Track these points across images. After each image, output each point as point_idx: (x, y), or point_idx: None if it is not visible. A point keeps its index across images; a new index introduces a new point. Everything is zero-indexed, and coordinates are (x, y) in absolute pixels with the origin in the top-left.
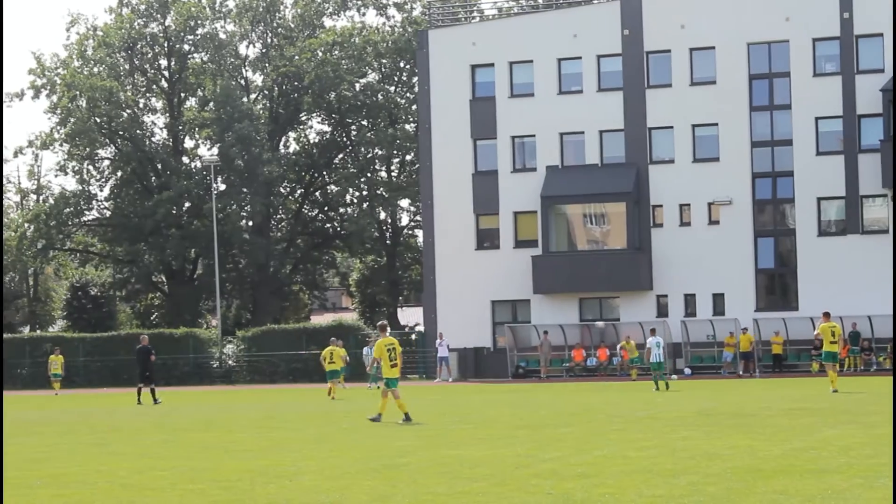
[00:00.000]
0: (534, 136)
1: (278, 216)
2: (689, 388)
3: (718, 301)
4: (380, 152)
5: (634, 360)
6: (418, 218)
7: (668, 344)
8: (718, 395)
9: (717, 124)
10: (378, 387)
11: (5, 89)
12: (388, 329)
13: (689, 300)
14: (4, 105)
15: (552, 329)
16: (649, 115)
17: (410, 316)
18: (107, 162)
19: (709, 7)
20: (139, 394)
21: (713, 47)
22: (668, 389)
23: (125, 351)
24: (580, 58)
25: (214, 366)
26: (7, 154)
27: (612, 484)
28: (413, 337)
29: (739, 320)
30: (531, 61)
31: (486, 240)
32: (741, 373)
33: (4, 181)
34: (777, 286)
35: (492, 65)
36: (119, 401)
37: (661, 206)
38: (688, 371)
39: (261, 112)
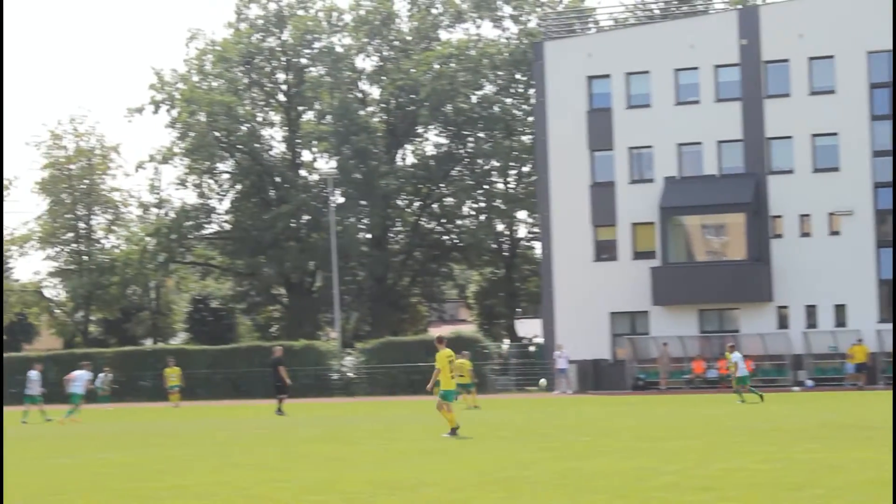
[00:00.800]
0: (651, 146)
1: (396, 228)
2: (811, 401)
3: (840, 312)
4: (497, 164)
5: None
6: (536, 229)
7: (790, 355)
8: (841, 407)
9: (836, 134)
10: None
11: (127, 105)
12: (446, 341)
13: (811, 311)
14: (127, 120)
15: (672, 341)
16: (768, 125)
17: (528, 328)
18: (226, 176)
19: (827, 16)
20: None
21: (832, 56)
22: (761, 401)
23: (245, 363)
24: (697, 68)
25: (334, 378)
26: (128, 168)
27: (734, 497)
28: (531, 349)
29: (861, 331)
30: (648, 72)
31: (604, 251)
32: (861, 385)
33: (128, 195)
34: None
35: (608, 76)
36: (239, 413)
37: (780, 216)
38: (810, 383)
39: (378, 125)
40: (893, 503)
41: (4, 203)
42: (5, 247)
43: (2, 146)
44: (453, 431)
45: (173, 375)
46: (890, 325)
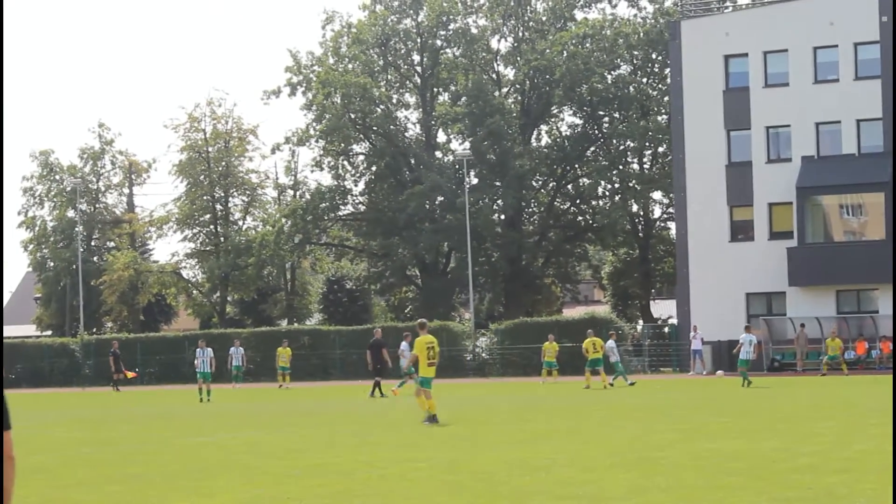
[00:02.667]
0: (789, 126)
1: (530, 209)
2: None
3: None
4: (632, 144)
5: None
6: (671, 210)
7: None
8: None
9: None
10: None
11: (264, 87)
12: (428, 327)
13: None
14: (263, 102)
15: (808, 322)
16: None
17: (663, 308)
18: (361, 157)
19: None
20: (375, 387)
21: None
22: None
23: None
24: (836, 46)
25: (468, 358)
26: (265, 151)
27: (874, 479)
28: (666, 330)
29: None
30: (786, 50)
31: (741, 231)
32: None
33: (264, 177)
34: None
35: (745, 54)
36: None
37: None
38: None
39: (512, 106)
40: (894, 496)
41: (142, 185)
42: (145, 228)
43: (2, 147)
44: (432, 418)
45: (284, 356)
46: None
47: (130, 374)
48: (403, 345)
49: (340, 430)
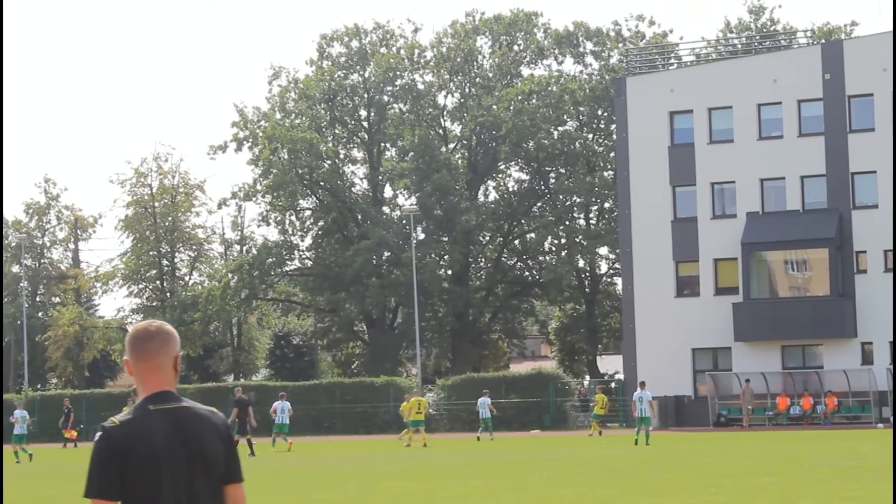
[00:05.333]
0: (734, 182)
1: (477, 264)
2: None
3: None
4: (578, 200)
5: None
6: (617, 265)
7: (875, 392)
8: None
9: None
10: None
11: (210, 142)
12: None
13: None
14: (209, 157)
15: (754, 377)
16: (852, 160)
17: (610, 364)
18: (308, 212)
19: None
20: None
21: None
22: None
23: (326, 399)
24: (780, 103)
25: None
26: (212, 206)
27: None
28: (612, 385)
29: None
30: (730, 107)
31: (686, 287)
32: None
33: (210, 232)
34: None
35: (690, 111)
36: (320, 449)
37: (864, 251)
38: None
39: (459, 161)
40: (893, 497)
41: (88, 240)
42: (91, 283)
43: (1, 151)
44: None
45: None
46: None
47: (70, 434)
48: (276, 403)
49: (288, 487)
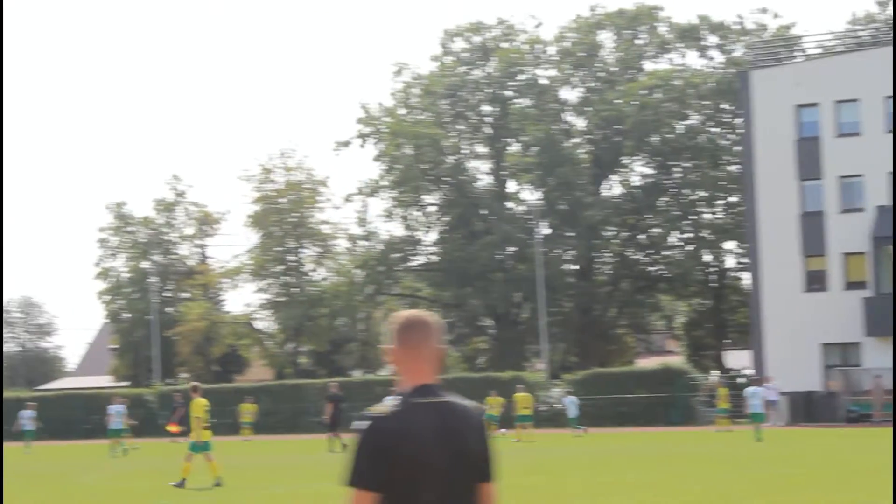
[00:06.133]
0: (862, 175)
1: (602, 259)
2: None
3: None
4: (703, 194)
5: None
6: (744, 260)
7: None
8: None
9: None
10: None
11: (335, 138)
12: (201, 391)
13: None
14: (334, 153)
15: (885, 373)
16: None
17: (738, 359)
18: (432, 208)
19: None
20: (331, 441)
21: None
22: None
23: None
24: None
25: (542, 409)
26: (337, 201)
27: None
28: (740, 380)
29: None
30: (857, 100)
31: (815, 281)
32: None
33: (336, 227)
34: None
35: (817, 104)
36: None
37: None
38: None
39: (583, 156)
40: (893, 497)
41: (215, 236)
42: (218, 280)
43: (1, 149)
44: (181, 483)
45: (248, 412)
46: None
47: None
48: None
49: None
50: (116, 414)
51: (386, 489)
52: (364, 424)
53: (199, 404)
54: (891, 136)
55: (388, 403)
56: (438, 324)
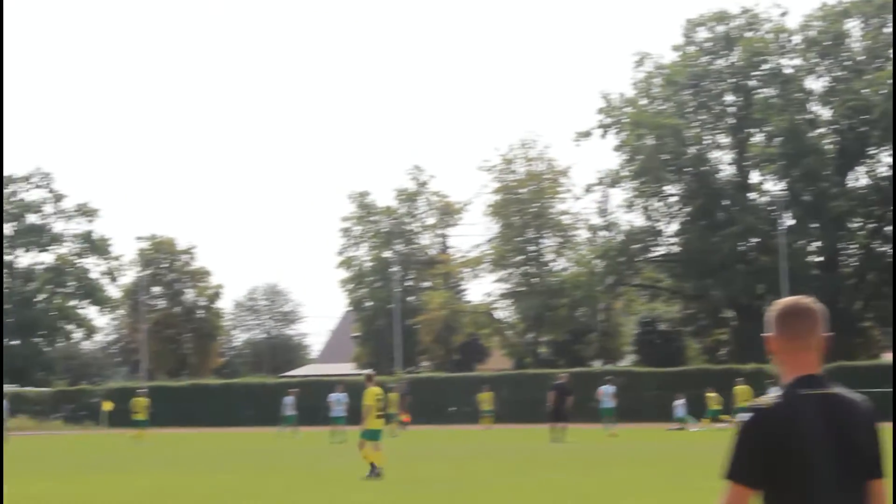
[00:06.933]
0: None
1: (847, 251)
2: None
3: None
4: None
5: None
6: None
7: None
8: None
9: None
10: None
11: (576, 129)
12: (375, 378)
13: None
14: (575, 144)
15: None
16: None
17: None
18: (674, 198)
19: None
20: (554, 431)
21: None
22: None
23: (694, 387)
24: None
25: None
26: (577, 192)
27: None
28: None
29: None
30: None
31: None
32: None
33: (576, 218)
34: None
35: None
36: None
37: None
38: None
39: (828, 146)
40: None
41: (456, 226)
42: (459, 269)
43: (2, 148)
44: (373, 471)
45: (486, 401)
46: None
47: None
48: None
49: (646, 475)
50: (336, 402)
51: (768, 485)
52: (746, 417)
53: (372, 393)
54: None
55: (772, 395)
56: (822, 310)
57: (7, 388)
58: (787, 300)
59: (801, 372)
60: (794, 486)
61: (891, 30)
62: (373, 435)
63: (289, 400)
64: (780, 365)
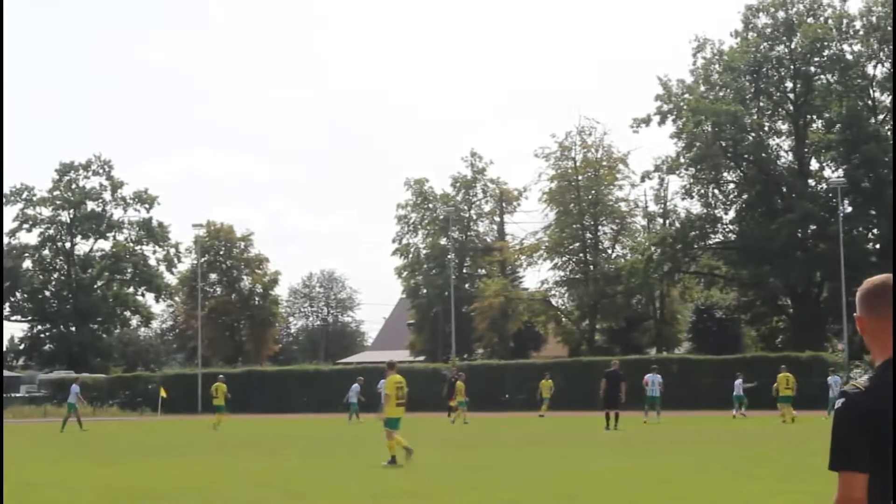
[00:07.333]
0: None
1: None
2: None
3: None
4: None
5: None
6: None
7: None
8: None
9: None
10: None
11: (633, 115)
12: (397, 367)
13: None
14: (633, 131)
15: None
16: None
17: None
18: (731, 185)
19: None
20: (607, 418)
21: None
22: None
23: (751, 374)
24: None
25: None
26: (634, 179)
27: None
28: None
29: None
30: None
31: None
32: None
33: (632, 205)
34: None
35: None
36: (741, 424)
37: None
38: None
39: (889, 133)
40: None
41: (513, 213)
42: (515, 257)
43: (2, 148)
44: (392, 460)
45: (546, 388)
46: None
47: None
48: (648, 376)
49: (709, 461)
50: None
51: (872, 468)
52: (840, 402)
53: (392, 381)
54: None
55: (863, 379)
56: None
57: (64, 374)
58: (878, 278)
59: (891, 352)
60: (888, 472)
61: None
62: (392, 424)
63: (355, 388)
64: (870, 344)
